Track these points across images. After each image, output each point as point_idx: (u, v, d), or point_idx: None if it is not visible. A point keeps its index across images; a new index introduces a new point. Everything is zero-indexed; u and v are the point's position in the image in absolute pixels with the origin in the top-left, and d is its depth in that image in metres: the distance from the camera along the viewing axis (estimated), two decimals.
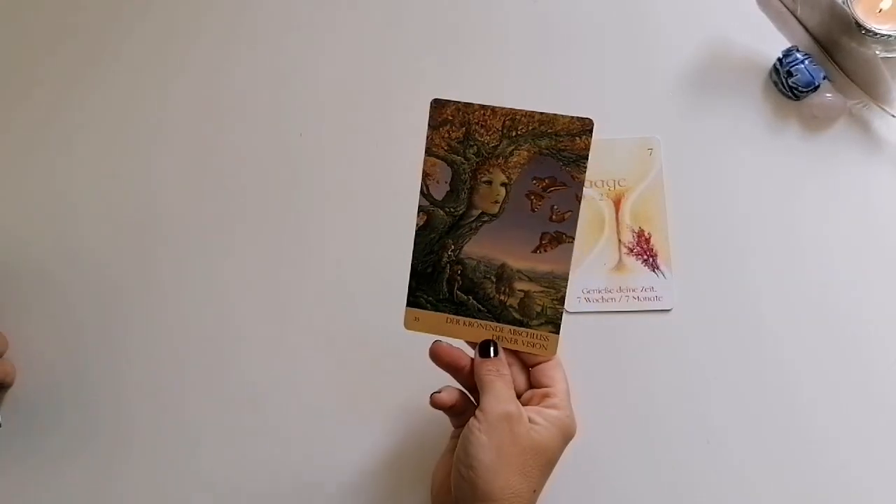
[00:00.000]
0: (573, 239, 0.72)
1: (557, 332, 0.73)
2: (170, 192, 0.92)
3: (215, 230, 0.90)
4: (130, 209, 0.92)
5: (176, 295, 0.89)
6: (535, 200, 0.72)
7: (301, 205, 0.90)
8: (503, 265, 0.73)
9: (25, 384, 0.88)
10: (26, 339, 0.88)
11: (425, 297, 0.74)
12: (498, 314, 0.73)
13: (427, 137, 0.73)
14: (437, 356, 0.73)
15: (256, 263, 0.89)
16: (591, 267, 0.87)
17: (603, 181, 0.88)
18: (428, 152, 0.73)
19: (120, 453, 0.86)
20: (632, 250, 0.87)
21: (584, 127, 0.71)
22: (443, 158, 0.73)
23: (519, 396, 0.73)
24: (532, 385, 0.74)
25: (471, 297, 0.74)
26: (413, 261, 0.74)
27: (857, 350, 0.83)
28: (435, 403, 0.73)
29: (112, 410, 0.87)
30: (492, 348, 0.73)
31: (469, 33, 0.94)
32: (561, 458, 0.72)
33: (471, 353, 0.74)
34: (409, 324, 0.75)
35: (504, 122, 0.72)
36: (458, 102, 0.72)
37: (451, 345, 0.73)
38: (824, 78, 0.87)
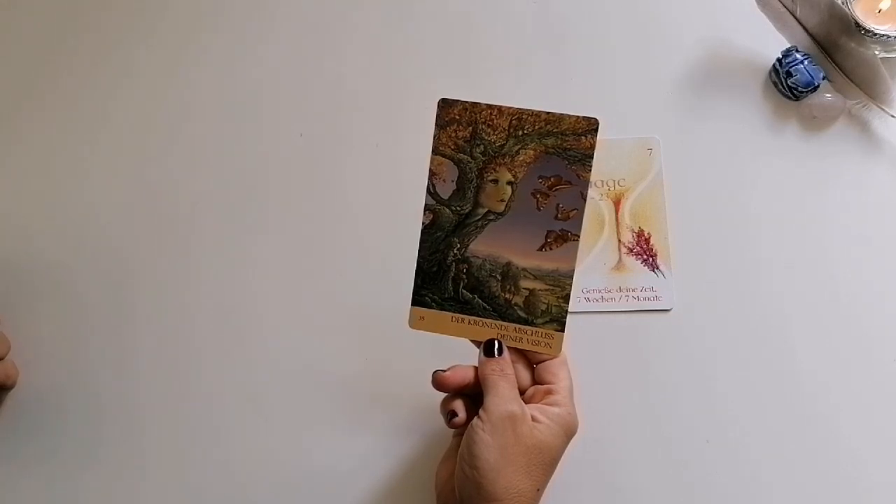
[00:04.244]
0: (578, 237, 0.72)
1: (562, 331, 0.73)
2: (175, 192, 0.92)
3: (223, 231, 0.90)
4: (135, 208, 0.92)
5: (183, 294, 0.89)
6: (540, 199, 0.72)
7: (307, 204, 0.90)
8: (509, 263, 0.73)
9: (30, 385, 0.87)
10: (32, 338, 0.88)
11: (431, 295, 0.74)
12: (503, 312, 0.73)
13: (434, 136, 0.73)
14: (444, 385, 0.73)
15: (262, 263, 0.89)
16: (590, 267, 0.87)
17: (603, 181, 0.88)
18: (435, 151, 0.73)
19: (127, 456, 0.85)
20: (631, 250, 0.87)
21: (590, 126, 0.71)
22: (449, 157, 0.73)
23: (523, 392, 0.73)
24: (536, 382, 0.74)
25: (476, 296, 0.74)
26: (419, 259, 0.74)
27: (856, 348, 0.83)
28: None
29: (120, 412, 0.86)
30: (496, 347, 0.73)
31: (472, 33, 0.95)
32: (562, 456, 0.72)
33: (475, 350, 0.74)
34: (415, 323, 0.75)
35: (511, 121, 0.72)
36: (466, 102, 0.73)
37: (449, 368, 0.73)
38: (824, 78, 0.87)
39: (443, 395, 0.74)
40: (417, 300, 0.75)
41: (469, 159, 0.73)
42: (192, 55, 0.97)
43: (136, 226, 0.91)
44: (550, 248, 0.73)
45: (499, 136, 0.72)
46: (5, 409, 0.87)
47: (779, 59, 0.88)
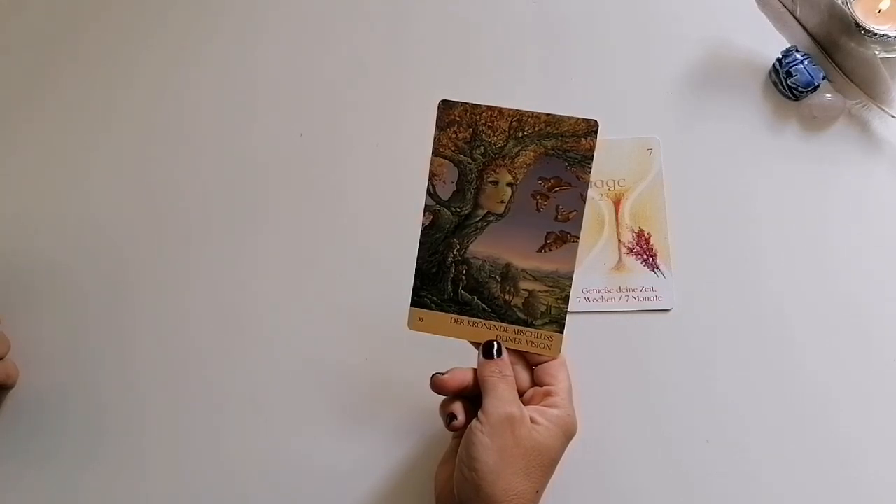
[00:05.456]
0: (578, 238, 0.72)
1: (561, 332, 0.73)
2: (175, 192, 0.92)
3: (223, 231, 0.90)
4: (135, 208, 0.92)
5: (183, 294, 0.89)
6: (540, 200, 0.72)
7: (307, 204, 0.90)
8: (508, 265, 0.73)
9: (30, 385, 0.87)
10: (32, 338, 0.88)
11: (430, 296, 0.74)
12: (502, 314, 0.73)
13: (434, 138, 0.73)
14: (443, 388, 0.73)
15: (262, 263, 0.89)
16: (590, 267, 0.87)
17: (603, 181, 0.88)
18: (435, 152, 0.73)
19: (127, 456, 0.85)
20: (631, 250, 0.87)
21: (590, 128, 0.71)
22: (450, 159, 0.73)
23: (522, 394, 0.73)
24: (535, 383, 0.74)
25: (475, 297, 0.74)
26: (418, 260, 0.74)
27: (856, 349, 0.83)
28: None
29: (119, 412, 0.86)
30: (495, 349, 0.73)
31: (471, 34, 0.95)
32: (562, 458, 0.72)
33: (474, 351, 0.74)
34: (414, 324, 0.75)
35: (511, 122, 0.72)
36: (466, 103, 0.73)
37: (448, 371, 0.73)
38: (824, 78, 0.87)
39: (442, 397, 0.74)
40: (417, 301, 0.75)
41: (469, 160, 0.73)
42: (192, 55, 0.97)
43: (136, 225, 0.91)
44: (550, 250, 0.73)
45: (499, 137, 0.72)
46: (5, 409, 0.87)
47: (779, 59, 0.88)
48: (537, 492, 0.70)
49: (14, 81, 0.97)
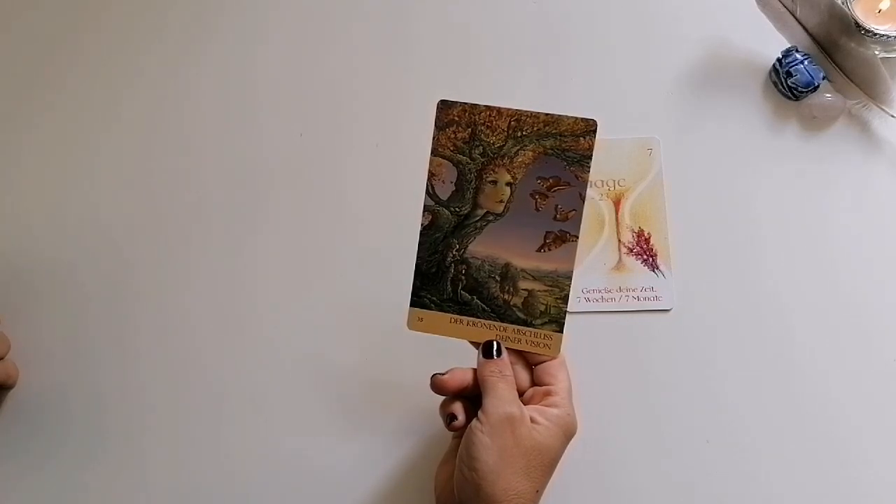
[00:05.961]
0: (577, 238, 0.72)
1: (561, 332, 0.73)
2: (176, 192, 0.92)
3: (224, 231, 0.90)
4: (135, 207, 0.92)
5: (184, 295, 0.89)
6: (539, 200, 0.72)
7: (307, 204, 0.91)
8: (508, 264, 0.73)
9: (30, 385, 0.87)
10: (32, 338, 0.88)
11: (429, 296, 0.74)
12: (502, 314, 0.73)
13: (433, 138, 0.73)
14: (443, 389, 0.73)
15: (263, 263, 0.89)
16: (590, 267, 0.87)
17: (602, 181, 0.88)
18: (434, 152, 0.73)
19: (127, 456, 0.85)
20: (631, 250, 0.87)
21: (588, 127, 0.71)
22: (448, 159, 0.73)
23: (522, 394, 0.73)
24: (535, 383, 0.74)
25: (475, 297, 0.74)
26: (417, 260, 0.74)
27: (857, 349, 0.83)
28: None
29: (120, 412, 0.86)
30: (495, 349, 0.73)
31: (471, 34, 0.95)
32: (562, 457, 0.72)
33: (474, 351, 0.74)
34: (413, 324, 0.75)
35: (510, 122, 0.72)
36: (465, 103, 0.73)
37: (447, 371, 0.73)
38: (824, 78, 0.87)
39: (442, 397, 0.74)
40: (416, 301, 0.75)
41: (468, 160, 0.73)
42: (193, 56, 0.97)
43: (136, 225, 0.91)
44: (549, 249, 0.73)
45: (498, 137, 0.72)
46: (5, 409, 0.86)
47: (779, 59, 0.88)
48: (537, 491, 0.70)
49: (15, 82, 0.97)
